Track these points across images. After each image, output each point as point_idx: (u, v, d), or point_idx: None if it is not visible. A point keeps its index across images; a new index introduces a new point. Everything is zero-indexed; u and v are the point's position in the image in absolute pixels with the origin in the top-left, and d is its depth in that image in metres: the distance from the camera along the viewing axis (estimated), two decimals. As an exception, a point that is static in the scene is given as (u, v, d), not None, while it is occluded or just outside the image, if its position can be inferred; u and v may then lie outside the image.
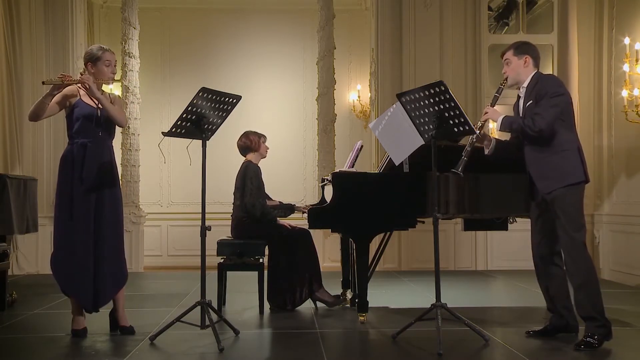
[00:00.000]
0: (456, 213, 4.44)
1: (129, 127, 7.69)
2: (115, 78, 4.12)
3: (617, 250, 6.77)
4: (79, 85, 3.97)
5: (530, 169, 3.88)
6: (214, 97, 3.90)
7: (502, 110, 4.04)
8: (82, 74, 4.05)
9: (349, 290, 5.23)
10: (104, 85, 4.12)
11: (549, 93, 3.74)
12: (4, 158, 7.16)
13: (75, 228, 3.93)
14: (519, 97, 3.99)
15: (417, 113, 3.85)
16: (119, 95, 4.16)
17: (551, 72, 7.67)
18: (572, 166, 3.74)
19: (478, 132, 3.87)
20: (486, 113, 3.91)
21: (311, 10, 8.48)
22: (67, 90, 4.03)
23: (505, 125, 3.84)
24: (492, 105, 3.95)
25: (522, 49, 3.94)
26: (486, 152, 4.04)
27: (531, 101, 3.82)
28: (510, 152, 4.04)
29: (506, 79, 3.96)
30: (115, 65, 4.10)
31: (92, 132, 3.99)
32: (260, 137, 5.15)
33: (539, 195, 3.87)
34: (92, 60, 4.03)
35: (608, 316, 3.71)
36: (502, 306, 5.37)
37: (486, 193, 4.41)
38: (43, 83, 3.88)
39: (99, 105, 3.98)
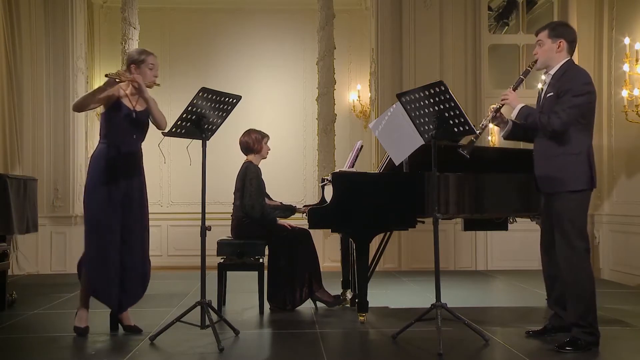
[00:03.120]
0: (456, 213, 4.43)
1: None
2: (157, 82, 4.13)
3: (617, 250, 6.77)
4: (129, 83, 4.02)
5: (535, 164, 3.79)
6: (214, 97, 3.90)
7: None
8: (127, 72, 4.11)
9: (349, 290, 5.23)
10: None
11: (572, 90, 3.58)
12: (4, 158, 7.15)
13: (105, 230, 3.96)
14: (544, 82, 3.85)
15: (417, 113, 3.84)
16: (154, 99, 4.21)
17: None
18: (578, 172, 3.61)
19: (495, 113, 3.78)
20: (506, 96, 3.77)
21: (311, 10, 8.47)
22: (111, 86, 4.06)
23: (521, 116, 3.71)
24: (515, 88, 3.80)
25: (558, 31, 3.73)
26: (501, 134, 3.94)
27: (552, 93, 3.67)
28: (527, 136, 3.90)
29: (535, 61, 3.79)
30: (157, 69, 4.13)
31: (127, 135, 4.04)
32: (264, 137, 5.14)
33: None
34: (135, 62, 4.05)
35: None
36: (502, 306, 5.37)
37: (486, 193, 4.40)
38: (106, 76, 3.92)
39: (136, 108, 4.02)
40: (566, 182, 3.62)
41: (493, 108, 3.85)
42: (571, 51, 3.78)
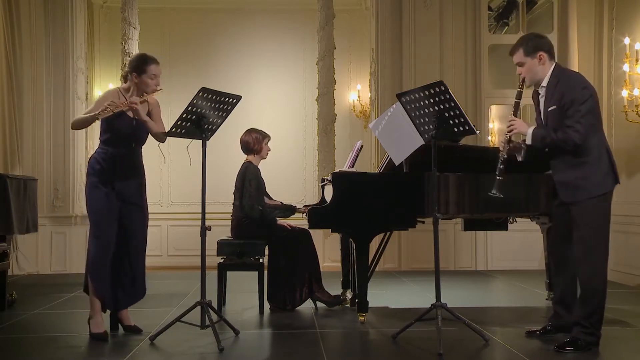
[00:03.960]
0: (456, 213, 4.43)
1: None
2: (158, 88, 4.06)
3: (617, 250, 6.75)
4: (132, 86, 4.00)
5: (554, 176, 3.71)
6: (214, 97, 3.90)
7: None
8: (127, 78, 4.06)
9: (349, 290, 5.23)
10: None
11: (576, 100, 3.51)
12: (4, 158, 7.16)
13: (103, 232, 3.94)
14: (537, 92, 3.80)
15: (417, 113, 3.84)
16: (157, 102, 4.17)
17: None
18: (600, 175, 3.55)
19: (508, 144, 3.69)
20: (512, 125, 3.69)
21: (311, 10, 8.47)
22: (111, 94, 4.05)
23: (536, 140, 3.63)
24: (515, 113, 3.72)
25: (532, 45, 3.67)
26: (519, 158, 3.83)
27: (554, 107, 3.60)
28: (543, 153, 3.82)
29: (523, 80, 3.74)
30: (159, 77, 4.05)
31: (126, 144, 4.03)
32: (265, 137, 5.13)
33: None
34: (137, 70, 4.00)
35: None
36: (502, 306, 5.37)
37: (486, 193, 4.38)
38: (97, 119, 3.82)
39: (136, 117, 3.98)
40: (590, 188, 3.56)
41: (503, 141, 3.74)
42: (553, 57, 3.73)
